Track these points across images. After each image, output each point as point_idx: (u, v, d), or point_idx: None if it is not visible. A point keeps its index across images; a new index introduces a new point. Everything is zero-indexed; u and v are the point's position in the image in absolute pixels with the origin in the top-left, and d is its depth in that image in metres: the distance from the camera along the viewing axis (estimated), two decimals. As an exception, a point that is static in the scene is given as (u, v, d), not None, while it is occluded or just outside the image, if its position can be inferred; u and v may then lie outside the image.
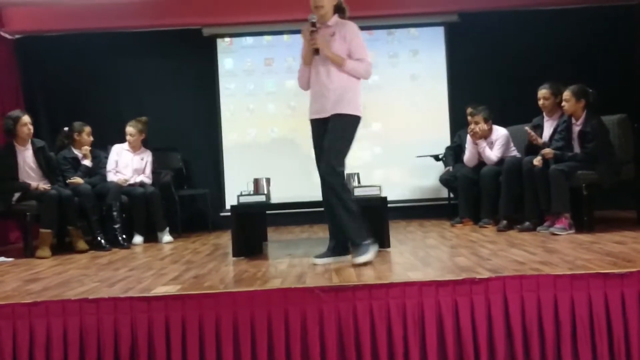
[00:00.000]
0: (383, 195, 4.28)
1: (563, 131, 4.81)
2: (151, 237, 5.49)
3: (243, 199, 4.36)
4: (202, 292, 2.94)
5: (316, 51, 3.70)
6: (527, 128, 5.01)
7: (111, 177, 5.52)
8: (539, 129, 5.08)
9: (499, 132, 5.63)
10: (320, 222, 3.97)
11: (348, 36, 3.71)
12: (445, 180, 6.02)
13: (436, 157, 6.40)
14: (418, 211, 6.57)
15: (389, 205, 4.29)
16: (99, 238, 5.00)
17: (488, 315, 2.82)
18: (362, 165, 6.40)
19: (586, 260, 3.26)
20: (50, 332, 2.83)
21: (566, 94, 4.72)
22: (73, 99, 6.51)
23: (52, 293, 3.09)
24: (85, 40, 6.58)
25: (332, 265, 3.62)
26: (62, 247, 5.09)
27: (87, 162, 5.42)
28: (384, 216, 4.22)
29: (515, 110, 5.90)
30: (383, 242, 4.18)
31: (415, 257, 3.76)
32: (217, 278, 3.37)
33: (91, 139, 5.49)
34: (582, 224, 4.60)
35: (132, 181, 5.53)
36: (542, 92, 5.07)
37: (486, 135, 5.61)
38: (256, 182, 4.60)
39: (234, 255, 4.21)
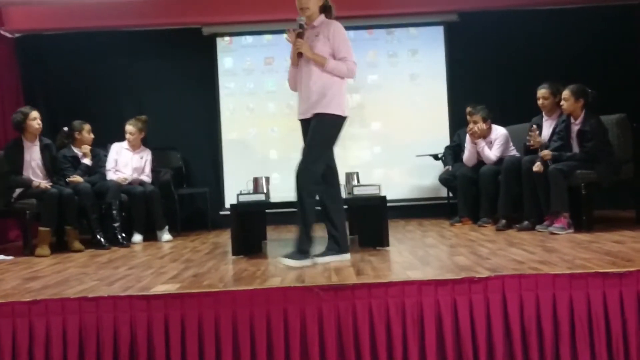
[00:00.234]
0: (382, 194, 4.29)
1: (562, 131, 4.81)
2: (150, 236, 5.49)
3: (242, 198, 4.36)
4: (202, 290, 2.94)
5: (300, 53, 3.74)
6: (534, 127, 4.99)
7: (110, 175, 5.52)
8: (538, 128, 5.08)
9: (498, 132, 5.64)
10: (320, 221, 3.98)
11: (332, 36, 3.72)
12: (444, 180, 6.02)
13: (435, 157, 6.40)
14: (417, 210, 6.58)
15: (388, 204, 4.29)
16: (98, 236, 5.01)
17: (487, 314, 2.83)
18: (362, 164, 6.41)
19: (585, 260, 3.27)
20: (50, 330, 2.83)
21: (565, 93, 4.72)
22: (73, 98, 6.52)
23: (52, 291, 3.09)
24: (85, 39, 6.59)
25: (331, 264, 3.62)
26: (61, 246, 5.09)
27: (86, 161, 5.42)
28: (383, 215, 4.22)
29: (515, 110, 5.92)
30: (382, 241, 4.19)
31: (414, 256, 3.77)
32: (217, 277, 3.37)
33: (92, 136, 5.50)
34: (581, 224, 4.61)
35: (130, 179, 5.52)
36: (542, 91, 5.07)
37: (485, 134, 5.62)
38: (255, 181, 4.61)
39: (233, 254, 4.21)
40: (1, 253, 4.82)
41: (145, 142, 5.80)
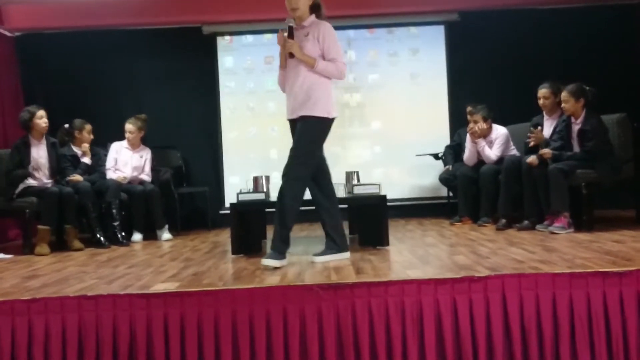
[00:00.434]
0: (382, 193, 4.28)
1: (562, 131, 4.80)
2: (150, 235, 5.49)
3: (242, 197, 4.36)
4: (201, 289, 2.94)
5: (290, 54, 3.72)
6: (539, 128, 4.99)
7: (110, 174, 5.51)
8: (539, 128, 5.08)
9: (499, 131, 5.63)
10: (318, 221, 3.98)
11: (321, 37, 3.70)
12: (444, 179, 6.02)
13: (436, 156, 6.40)
14: (417, 210, 6.57)
15: (388, 203, 4.29)
16: (98, 235, 5.01)
17: (487, 314, 2.83)
18: (362, 163, 6.42)
19: (585, 259, 3.27)
20: (49, 328, 2.83)
21: (564, 95, 4.70)
22: (73, 97, 6.51)
23: (51, 290, 3.09)
24: (85, 38, 6.59)
25: (330, 263, 3.62)
26: (60, 245, 5.09)
27: (86, 160, 5.42)
28: (384, 214, 4.22)
29: (515, 109, 5.91)
30: (382, 240, 4.19)
31: (414, 256, 3.77)
32: (216, 275, 3.37)
33: (91, 136, 5.49)
34: (581, 223, 4.60)
35: (129, 178, 5.52)
36: (542, 91, 5.07)
37: (485, 134, 5.61)
38: (255, 180, 4.60)
39: (233, 253, 4.21)
40: (1, 252, 4.81)
41: (145, 141, 5.80)
